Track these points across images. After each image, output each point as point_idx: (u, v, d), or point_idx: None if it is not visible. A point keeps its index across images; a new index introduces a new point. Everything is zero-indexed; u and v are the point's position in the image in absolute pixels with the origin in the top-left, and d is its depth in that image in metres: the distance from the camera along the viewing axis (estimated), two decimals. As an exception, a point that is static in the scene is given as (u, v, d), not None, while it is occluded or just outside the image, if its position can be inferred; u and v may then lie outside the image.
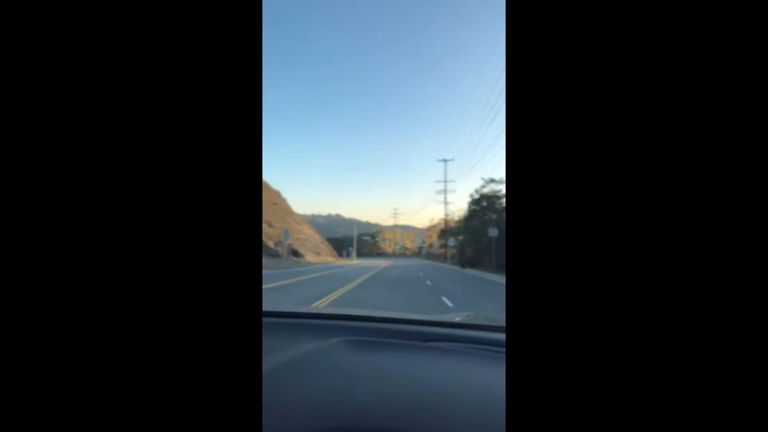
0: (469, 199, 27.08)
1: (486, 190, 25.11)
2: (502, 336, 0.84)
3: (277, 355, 0.67)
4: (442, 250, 42.12)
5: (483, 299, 7.88)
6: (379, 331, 0.93)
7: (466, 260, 25.14)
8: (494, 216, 23.70)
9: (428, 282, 11.87)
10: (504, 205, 21.17)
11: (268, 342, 0.68)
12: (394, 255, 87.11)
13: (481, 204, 25.25)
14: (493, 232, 19.34)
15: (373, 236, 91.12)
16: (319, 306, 6.00)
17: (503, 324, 0.91)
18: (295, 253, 31.37)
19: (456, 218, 36.95)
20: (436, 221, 64.20)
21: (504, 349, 0.74)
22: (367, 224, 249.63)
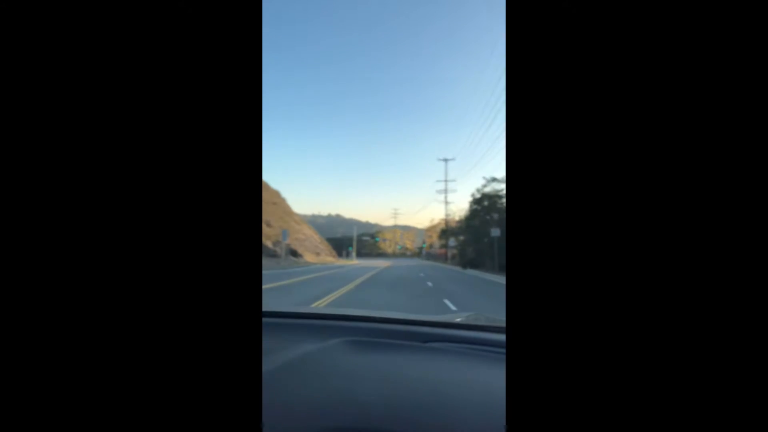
0: (470, 199, 26.83)
1: (488, 190, 24.85)
2: (503, 337, 0.84)
3: (277, 355, 0.67)
4: (443, 251, 41.88)
5: (486, 301, 7.60)
6: (379, 332, 0.92)
7: (467, 261, 24.87)
8: (496, 216, 23.42)
9: (429, 283, 11.59)
10: (506, 204, 20.72)
11: (268, 342, 0.69)
12: (394, 255, 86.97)
13: (482, 203, 24.97)
14: (495, 232, 19.06)
15: (373, 236, 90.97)
16: (318, 307, 5.72)
17: (503, 325, 0.90)
18: (294, 253, 31.11)
19: (457, 218, 36.72)
20: (436, 221, 64.05)
21: (504, 350, 0.73)
22: (367, 224, 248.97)
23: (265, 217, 30.83)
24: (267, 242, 27.74)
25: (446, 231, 39.67)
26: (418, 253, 76.27)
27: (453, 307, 6.42)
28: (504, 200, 22.97)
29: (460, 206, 79.43)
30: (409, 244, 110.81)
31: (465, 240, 28.63)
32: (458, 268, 24.52)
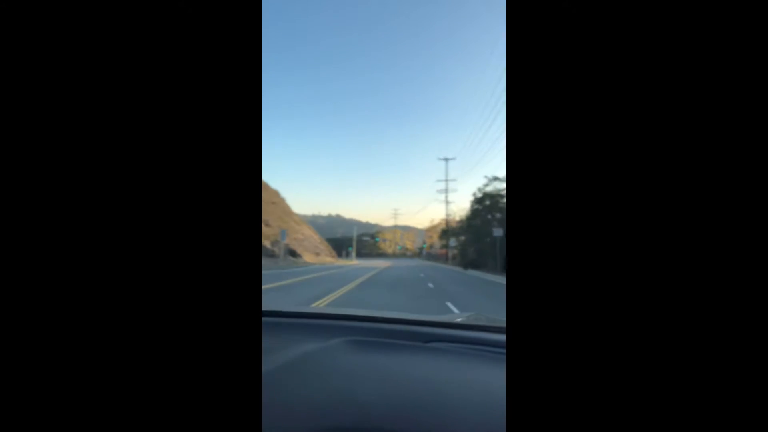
0: (471, 198, 26.47)
1: (490, 189, 24.49)
2: (503, 337, 0.84)
3: (278, 354, 0.67)
4: (443, 251, 41.53)
5: (490, 302, 7.24)
6: (380, 332, 0.92)
7: (469, 261, 24.51)
8: (498, 215, 23.07)
9: (430, 284, 11.24)
10: (508, 204, 20.45)
11: (269, 342, 0.70)
12: (394, 255, 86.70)
13: (484, 203, 24.62)
14: (497, 232, 18.71)
15: (373, 236, 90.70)
16: (320, 307, 5.40)
17: (504, 325, 0.90)
18: (293, 253, 30.77)
19: (457, 218, 36.37)
20: (436, 221, 63.77)
21: (505, 350, 0.74)
22: (367, 225, 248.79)
23: (263, 216, 30.46)
24: (265, 242, 27.38)
25: (447, 231, 39.33)
26: (419, 254, 75.97)
27: (456, 311, 6.06)
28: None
29: (460, 206, 79.26)
30: (409, 245, 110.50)
31: (466, 240, 28.28)
32: (459, 269, 24.16)
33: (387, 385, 0.57)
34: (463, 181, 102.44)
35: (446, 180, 44.67)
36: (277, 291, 8.56)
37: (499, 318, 1.00)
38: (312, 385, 0.55)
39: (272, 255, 25.97)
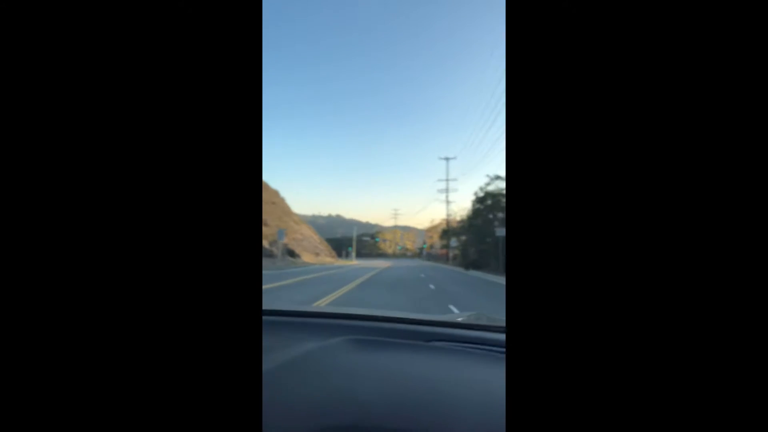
0: (473, 198, 26.11)
1: (491, 188, 24.14)
2: (504, 336, 0.83)
3: (279, 353, 0.67)
4: (444, 251, 41.19)
5: (492, 303, 6.87)
6: (381, 331, 0.92)
7: (470, 261, 24.15)
8: (500, 215, 22.71)
9: (431, 285, 10.89)
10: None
11: (270, 340, 0.70)
12: (394, 256, 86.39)
13: (485, 202, 24.27)
14: (500, 231, 18.39)
15: (373, 237, 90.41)
16: (321, 306, 5.08)
17: (505, 324, 0.89)
18: (291, 253, 30.43)
19: (458, 218, 36.02)
20: (437, 222, 63.47)
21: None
22: (367, 225, 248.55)
23: (262, 216, 30.10)
24: (263, 242, 27.04)
25: (448, 231, 38.99)
26: (419, 254, 75.66)
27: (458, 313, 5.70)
28: (508, 199, 22.26)
29: (461, 206, 78.94)
30: (409, 245, 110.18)
31: (467, 240, 27.95)
32: (460, 269, 23.80)
33: (387, 384, 0.57)
34: (463, 180, 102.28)
35: (447, 180, 44.33)
36: (269, 293, 8.22)
37: (501, 318, 0.98)
38: (312, 384, 0.55)
39: (270, 255, 25.63)
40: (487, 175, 31.54)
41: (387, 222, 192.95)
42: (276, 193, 42.23)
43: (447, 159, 43.24)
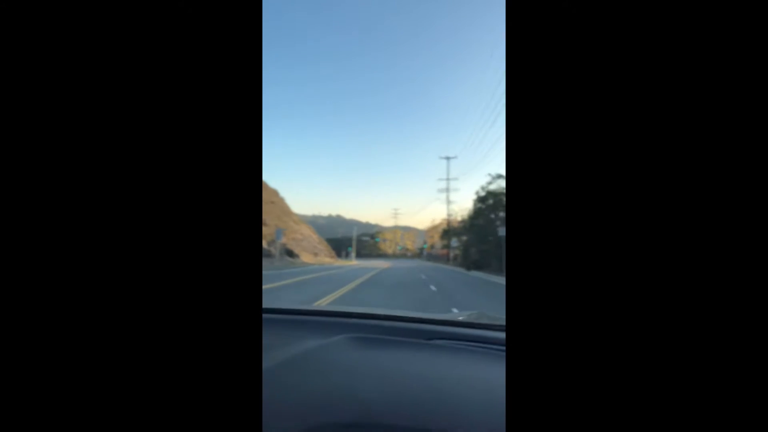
0: (474, 197, 25.75)
1: (493, 187, 23.78)
2: (505, 335, 0.83)
3: (279, 351, 0.67)
4: (444, 251, 40.83)
5: (493, 303, 6.50)
6: (382, 329, 0.92)
7: (472, 262, 23.79)
8: (502, 215, 22.34)
9: (432, 287, 10.54)
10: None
11: (271, 339, 0.70)
12: (394, 256, 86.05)
13: (487, 202, 23.91)
14: (502, 231, 17.99)
15: (373, 237, 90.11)
16: (322, 305, 4.81)
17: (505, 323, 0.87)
18: (290, 253, 30.08)
19: (459, 218, 35.66)
20: (437, 222, 63.14)
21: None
22: (367, 225, 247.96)
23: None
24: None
25: (448, 231, 38.61)
26: (419, 254, 75.27)
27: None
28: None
29: (462, 206, 78.62)
30: (409, 245, 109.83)
31: (468, 240, 27.58)
32: (461, 270, 23.46)
33: (388, 381, 0.57)
34: (464, 180, 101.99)
35: (447, 179, 44.01)
36: (266, 294, 7.86)
37: (502, 317, 0.96)
38: (312, 382, 0.55)
39: (268, 255, 25.27)
40: (489, 174, 31.19)
41: (387, 222, 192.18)
42: (275, 193, 41.90)
43: (447, 158, 42.97)
